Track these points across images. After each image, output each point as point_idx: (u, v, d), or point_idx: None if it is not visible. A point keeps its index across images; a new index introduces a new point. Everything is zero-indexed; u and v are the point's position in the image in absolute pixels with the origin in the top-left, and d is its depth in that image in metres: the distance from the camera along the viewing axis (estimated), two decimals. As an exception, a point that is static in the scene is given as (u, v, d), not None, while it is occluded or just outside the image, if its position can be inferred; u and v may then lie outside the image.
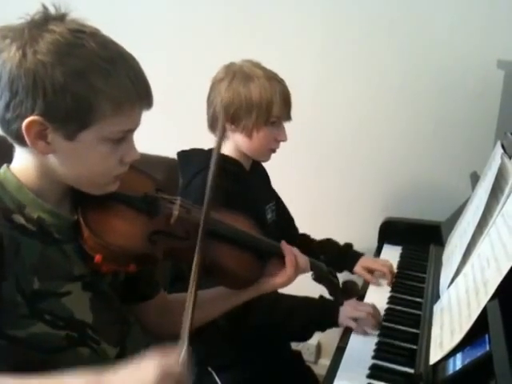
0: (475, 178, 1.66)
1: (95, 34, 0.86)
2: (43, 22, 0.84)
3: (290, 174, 2.13)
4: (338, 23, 2.06)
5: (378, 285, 1.65)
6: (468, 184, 1.73)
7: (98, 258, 0.89)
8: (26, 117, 0.82)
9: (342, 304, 1.36)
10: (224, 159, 1.50)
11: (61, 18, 0.85)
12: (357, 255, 1.75)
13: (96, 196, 0.93)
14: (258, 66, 1.50)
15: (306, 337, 1.45)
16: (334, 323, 1.38)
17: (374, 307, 1.39)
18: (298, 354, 1.74)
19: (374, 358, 1.26)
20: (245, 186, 1.51)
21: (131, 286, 1.06)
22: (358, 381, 1.18)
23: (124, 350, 0.98)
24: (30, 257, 0.86)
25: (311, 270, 1.20)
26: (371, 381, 1.18)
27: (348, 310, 1.37)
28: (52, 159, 0.87)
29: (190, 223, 1.00)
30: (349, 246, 1.79)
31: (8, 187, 0.88)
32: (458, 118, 2.00)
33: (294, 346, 1.80)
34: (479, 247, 1.23)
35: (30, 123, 0.82)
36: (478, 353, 0.95)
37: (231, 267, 1.07)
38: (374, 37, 2.03)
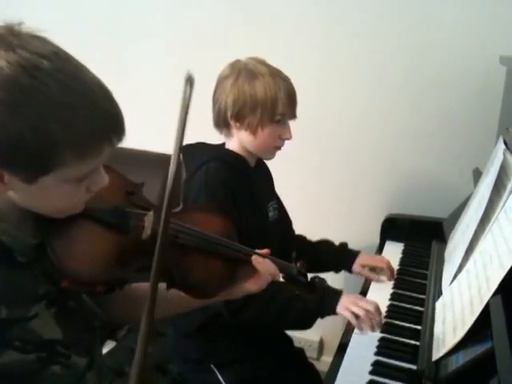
0: (477, 175, 1.66)
1: (54, 70, 0.75)
2: None
3: (292, 172, 2.13)
4: (339, 20, 2.06)
5: (378, 281, 1.66)
6: (470, 180, 1.73)
7: (64, 283, 0.84)
8: None
9: (326, 314, 1.37)
10: (229, 155, 1.51)
11: (11, 45, 0.73)
12: (353, 254, 1.74)
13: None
14: (263, 63, 1.50)
15: (305, 324, 1.44)
16: (332, 310, 1.38)
17: (376, 307, 1.35)
18: (301, 350, 1.74)
19: (376, 354, 1.26)
20: (249, 183, 1.51)
21: None
22: (361, 377, 1.18)
23: (92, 359, 0.95)
24: None
25: (281, 272, 1.18)
26: (374, 377, 1.18)
27: (347, 301, 1.37)
28: (12, 194, 0.81)
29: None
30: (344, 245, 1.77)
31: None
32: (460, 114, 2.00)
33: (297, 343, 1.80)
34: (481, 243, 1.23)
35: None
36: (480, 349, 0.95)
37: (200, 279, 1.01)
38: (375, 34, 2.03)
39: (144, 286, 0.97)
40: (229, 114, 1.46)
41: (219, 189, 1.42)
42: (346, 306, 1.36)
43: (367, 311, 1.33)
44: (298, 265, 1.24)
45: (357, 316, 1.34)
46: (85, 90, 0.77)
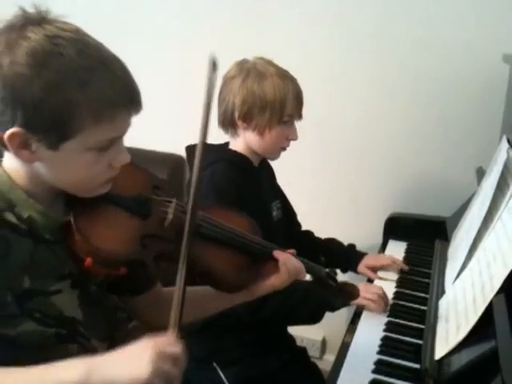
0: (481, 173, 1.65)
1: (74, 40, 0.82)
2: (21, 27, 0.81)
3: (295, 170, 2.13)
4: (343, 21, 2.06)
5: (380, 279, 1.67)
6: (473, 179, 1.73)
7: (88, 261, 0.87)
8: (7, 128, 0.81)
9: (339, 307, 1.38)
10: (234, 155, 1.51)
11: (39, 21, 0.82)
12: (360, 255, 1.75)
13: (88, 198, 0.91)
14: (270, 63, 1.49)
15: (317, 319, 1.46)
16: (346, 303, 1.46)
17: (382, 290, 1.48)
18: (303, 349, 1.73)
19: (379, 353, 1.26)
20: (253, 183, 1.51)
21: (124, 281, 1.03)
22: (364, 376, 1.17)
23: (113, 345, 0.95)
24: (21, 256, 0.86)
25: (308, 273, 1.17)
26: (377, 376, 1.18)
27: (361, 290, 1.39)
28: (39, 166, 0.86)
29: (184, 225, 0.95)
30: (352, 246, 1.79)
31: (0, 185, 0.87)
32: (464, 112, 1.99)
33: (299, 341, 1.80)
34: (485, 242, 1.23)
35: (12, 135, 0.81)
36: (483, 348, 0.94)
37: (223, 271, 1.03)
38: (379, 34, 2.02)
39: (173, 290, 0.97)
40: (236, 115, 1.46)
41: (228, 189, 1.42)
42: (361, 295, 1.40)
43: (379, 295, 1.45)
44: (328, 269, 1.25)
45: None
46: (102, 58, 0.84)
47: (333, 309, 1.46)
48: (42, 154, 0.83)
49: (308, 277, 1.19)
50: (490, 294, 1.00)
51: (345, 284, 1.29)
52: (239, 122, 1.47)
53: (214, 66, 0.90)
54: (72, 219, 0.88)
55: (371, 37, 2.04)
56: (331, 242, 1.79)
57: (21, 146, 0.83)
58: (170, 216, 0.96)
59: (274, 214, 1.61)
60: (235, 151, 1.52)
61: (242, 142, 1.52)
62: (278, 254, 1.09)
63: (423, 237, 1.86)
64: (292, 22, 2.11)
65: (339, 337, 1.39)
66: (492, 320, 0.94)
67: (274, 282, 1.08)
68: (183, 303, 0.87)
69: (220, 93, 1.51)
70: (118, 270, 0.91)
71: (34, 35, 0.80)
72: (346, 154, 2.17)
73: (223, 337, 1.52)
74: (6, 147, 0.84)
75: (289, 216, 1.72)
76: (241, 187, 1.44)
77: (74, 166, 0.86)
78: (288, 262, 1.08)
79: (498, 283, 0.99)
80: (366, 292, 1.45)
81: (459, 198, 1.79)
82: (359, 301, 1.43)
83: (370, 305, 1.45)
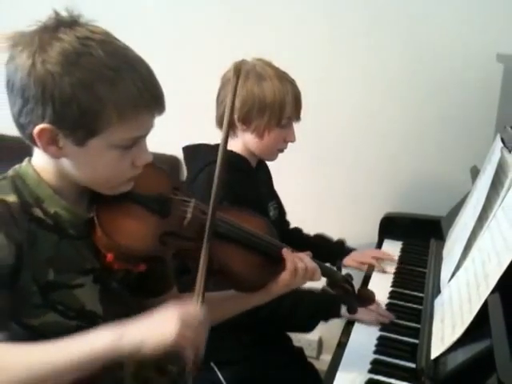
0: (475, 172, 1.66)
1: (104, 42, 0.87)
2: (54, 28, 0.86)
3: (291, 170, 2.12)
4: (339, 21, 2.06)
5: (363, 270, 1.70)
6: (468, 178, 1.73)
7: (109, 256, 0.91)
8: (37, 124, 0.85)
9: (355, 312, 1.35)
10: (231, 155, 1.50)
11: (71, 24, 0.87)
12: (348, 250, 1.77)
13: (111, 195, 0.95)
14: (269, 65, 1.49)
15: (309, 328, 1.45)
16: (337, 313, 1.40)
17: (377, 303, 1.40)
18: (300, 349, 1.74)
19: (375, 352, 1.26)
20: (251, 183, 1.51)
21: (142, 281, 1.08)
22: (360, 375, 1.18)
23: None
24: (46, 249, 0.90)
25: (323, 276, 1.19)
26: (373, 375, 1.18)
27: None
28: (65, 162, 0.90)
29: (203, 225, 0.99)
30: (340, 241, 1.80)
31: (28, 181, 0.91)
32: (458, 112, 2.00)
33: (296, 341, 1.80)
34: (480, 241, 1.23)
35: (42, 130, 0.85)
36: (479, 347, 0.95)
37: (241, 270, 1.07)
38: (374, 33, 2.03)
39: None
40: (236, 116, 1.45)
41: (223, 190, 1.40)
42: None
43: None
44: (345, 274, 1.26)
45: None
46: (129, 60, 0.89)
47: (326, 317, 1.44)
48: (68, 150, 0.87)
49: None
50: (485, 293, 1.00)
51: (361, 289, 1.31)
52: (238, 124, 1.47)
53: (237, 72, 0.96)
54: (95, 216, 0.92)
55: (365, 36, 2.04)
56: (319, 238, 1.80)
57: (49, 142, 0.86)
58: (189, 215, 1.01)
59: (271, 214, 1.61)
60: (233, 151, 1.52)
61: (240, 143, 1.51)
62: (285, 253, 1.11)
63: (418, 236, 1.87)
64: (286, 23, 2.11)
65: (335, 337, 1.39)
66: (487, 319, 0.94)
67: (289, 282, 1.11)
68: (207, 275, 0.92)
69: (218, 94, 1.50)
70: (137, 266, 0.95)
71: (66, 36, 0.85)
72: (341, 154, 2.18)
73: (221, 337, 1.51)
74: (34, 143, 0.88)
75: (282, 214, 1.73)
76: (236, 189, 1.43)
77: (99, 163, 0.90)
78: (298, 261, 1.10)
79: (492, 282, 0.99)
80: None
81: (454, 197, 1.80)
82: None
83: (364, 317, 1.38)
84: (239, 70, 0.97)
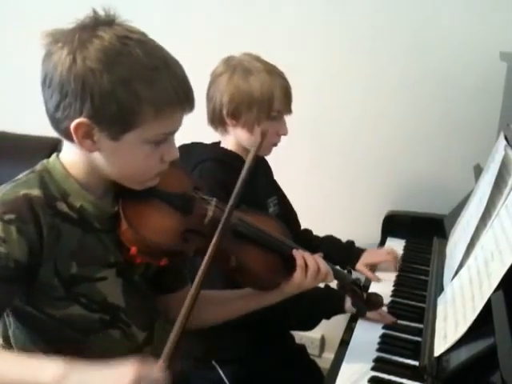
0: (478, 171, 1.65)
1: (141, 41, 0.89)
2: (93, 26, 0.88)
3: (293, 168, 2.13)
4: (338, 18, 2.06)
5: (379, 281, 1.66)
6: (471, 176, 1.73)
7: (133, 249, 0.94)
8: (74, 118, 0.87)
9: (364, 316, 1.36)
10: (225, 153, 1.50)
11: (109, 23, 0.90)
12: (359, 252, 1.75)
13: (136, 190, 0.98)
14: (257, 59, 1.49)
15: (312, 324, 1.45)
16: (340, 309, 1.40)
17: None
18: (302, 347, 1.74)
19: (378, 350, 1.26)
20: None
21: (160, 277, 1.10)
22: (363, 373, 1.18)
23: (151, 335, 1.05)
24: (70, 243, 0.92)
25: (335, 278, 1.21)
26: (376, 373, 1.18)
27: None
28: (97, 156, 0.92)
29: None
30: (351, 243, 1.78)
31: (55, 176, 0.94)
32: (461, 110, 2.00)
33: (298, 339, 1.80)
34: (483, 239, 1.23)
35: (79, 124, 0.87)
36: (482, 345, 0.95)
37: (257, 268, 1.10)
38: (375, 30, 2.02)
39: (207, 294, 1.07)
40: (224, 112, 1.45)
41: (214, 188, 1.39)
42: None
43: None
44: (354, 277, 1.29)
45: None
46: (165, 59, 0.91)
47: (328, 313, 1.43)
48: (103, 144, 0.90)
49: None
50: (488, 292, 1.00)
51: (370, 293, 1.33)
52: (228, 120, 1.47)
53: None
54: (121, 209, 0.95)
55: (368, 36, 2.04)
56: (329, 240, 1.79)
57: (85, 136, 0.89)
58: (210, 213, 1.05)
59: (271, 210, 1.61)
60: (226, 149, 1.51)
61: (233, 139, 1.51)
62: (296, 253, 1.14)
63: (421, 234, 1.86)
64: (288, 21, 2.11)
65: (338, 335, 1.39)
66: (490, 317, 0.94)
67: (302, 283, 1.13)
68: (181, 335, 0.89)
69: (208, 91, 1.50)
70: (159, 261, 0.98)
71: (106, 34, 0.87)
72: (344, 152, 2.17)
73: (222, 335, 1.52)
74: (69, 137, 0.90)
75: (287, 213, 1.72)
76: (229, 187, 1.42)
77: (131, 157, 0.92)
78: (310, 262, 1.13)
79: (496, 280, 0.99)
80: None
81: (457, 195, 1.80)
82: (351, 310, 1.38)
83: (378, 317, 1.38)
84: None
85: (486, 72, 1.92)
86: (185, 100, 0.93)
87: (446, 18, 1.94)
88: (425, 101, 2.03)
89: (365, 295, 1.31)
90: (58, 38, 0.88)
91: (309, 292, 1.40)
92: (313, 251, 1.20)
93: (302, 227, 1.81)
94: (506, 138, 1.46)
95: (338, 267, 1.26)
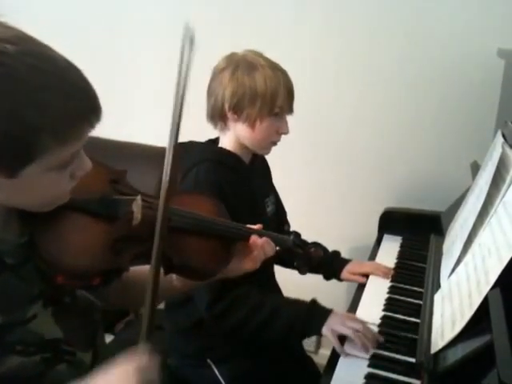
0: (476, 168, 1.65)
1: (21, 54, 0.71)
2: None
3: (289, 165, 2.13)
4: (336, 14, 2.05)
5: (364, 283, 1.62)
6: (468, 173, 1.73)
7: (59, 279, 0.82)
8: None
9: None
10: (222, 153, 1.49)
11: None
12: (343, 262, 1.70)
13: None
14: (260, 55, 1.48)
15: (289, 342, 1.43)
16: (317, 331, 1.33)
17: (365, 326, 1.30)
18: (299, 344, 1.74)
19: (374, 347, 1.26)
20: (243, 181, 1.49)
21: None
22: (359, 370, 1.18)
23: (96, 352, 0.95)
24: None
25: (276, 245, 1.16)
26: (372, 370, 1.18)
27: (333, 321, 1.32)
28: None
29: (155, 220, 0.84)
30: (336, 253, 1.74)
31: None
32: (458, 107, 1.99)
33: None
34: (480, 236, 1.23)
35: None
36: (479, 342, 0.95)
37: (198, 260, 1.00)
38: (372, 27, 2.02)
39: (138, 270, 0.96)
40: (226, 106, 1.44)
41: (208, 191, 1.37)
42: (332, 326, 1.31)
43: (356, 330, 1.27)
44: (292, 236, 1.21)
45: (344, 337, 1.28)
46: (56, 69, 0.74)
47: (307, 335, 1.39)
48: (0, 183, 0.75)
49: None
50: (485, 289, 1.00)
51: (310, 251, 1.23)
52: (229, 114, 1.45)
53: (191, 42, 0.80)
54: (33, 237, 0.81)
55: (364, 32, 2.03)
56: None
57: None
58: (138, 216, 0.90)
59: (269, 209, 1.60)
60: (222, 149, 1.50)
61: (232, 136, 1.49)
62: (253, 238, 1.09)
63: (418, 231, 1.86)
64: (285, 19, 2.10)
65: (335, 331, 1.39)
66: (487, 314, 0.94)
67: (247, 264, 1.09)
68: (153, 314, 0.80)
69: (209, 86, 1.49)
70: (92, 281, 0.85)
71: None
72: (340, 149, 2.17)
73: (217, 333, 1.51)
74: None
75: (279, 212, 1.71)
76: (225, 188, 1.40)
77: (37, 189, 0.79)
78: (257, 242, 1.09)
79: (493, 278, 0.99)
80: (338, 324, 1.30)
81: (454, 192, 1.80)
82: (326, 333, 1.31)
83: (335, 343, 1.28)
84: (192, 40, 0.85)
85: (484, 69, 1.92)
86: (89, 113, 0.77)
87: (443, 15, 1.94)
88: (422, 98, 2.03)
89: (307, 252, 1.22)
90: None
91: (289, 306, 1.38)
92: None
93: (297, 225, 1.80)
94: (503, 136, 1.46)
95: (277, 234, 1.19)
